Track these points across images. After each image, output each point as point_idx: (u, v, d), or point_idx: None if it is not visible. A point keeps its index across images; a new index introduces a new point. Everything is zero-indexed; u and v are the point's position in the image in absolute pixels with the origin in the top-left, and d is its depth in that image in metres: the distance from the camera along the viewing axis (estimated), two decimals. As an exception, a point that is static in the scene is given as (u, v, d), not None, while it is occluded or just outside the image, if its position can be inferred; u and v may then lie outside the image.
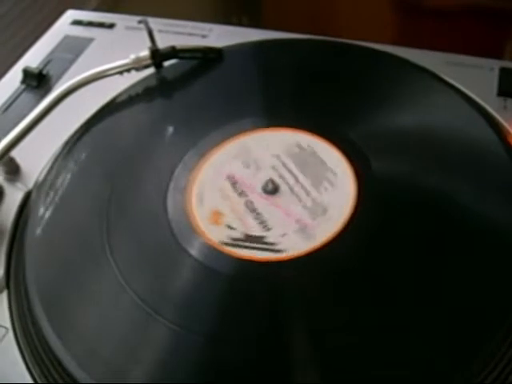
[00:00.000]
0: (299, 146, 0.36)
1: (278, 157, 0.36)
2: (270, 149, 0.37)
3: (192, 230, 0.33)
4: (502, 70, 0.41)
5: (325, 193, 0.34)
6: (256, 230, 0.33)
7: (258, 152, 0.36)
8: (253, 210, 0.34)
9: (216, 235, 0.32)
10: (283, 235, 0.32)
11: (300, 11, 0.61)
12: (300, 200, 0.34)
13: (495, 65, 0.41)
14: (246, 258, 0.31)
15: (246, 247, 0.32)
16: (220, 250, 0.32)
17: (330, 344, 0.28)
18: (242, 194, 0.34)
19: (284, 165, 0.36)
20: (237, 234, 0.32)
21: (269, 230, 0.32)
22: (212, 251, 0.32)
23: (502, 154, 0.33)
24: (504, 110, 0.38)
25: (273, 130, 0.37)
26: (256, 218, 0.33)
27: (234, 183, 0.35)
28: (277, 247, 0.32)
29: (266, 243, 0.32)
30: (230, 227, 0.33)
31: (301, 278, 0.30)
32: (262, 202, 0.34)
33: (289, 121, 0.37)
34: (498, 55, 0.43)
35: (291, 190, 0.34)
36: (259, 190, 0.35)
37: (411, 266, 0.30)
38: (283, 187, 0.34)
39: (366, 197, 0.33)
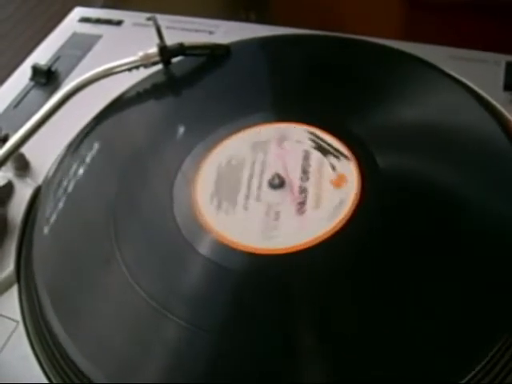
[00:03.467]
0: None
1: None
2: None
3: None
4: (508, 65, 0.41)
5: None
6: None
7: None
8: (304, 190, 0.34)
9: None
10: None
11: (307, 6, 0.61)
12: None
13: (501, 59, 0.41)
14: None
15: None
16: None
17: (340, 341, 0.28)
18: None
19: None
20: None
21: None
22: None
23: (509, 149, 0.33)
24: (510, 105, 0.38)
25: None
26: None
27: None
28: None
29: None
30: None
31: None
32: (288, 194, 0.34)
33: (294, 116, 0.38)
34: (505, 50, 0.43)
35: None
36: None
37: (416, 263, 0.30)
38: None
39: (370, 185, 0.33)
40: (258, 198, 0.34)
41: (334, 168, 0.34)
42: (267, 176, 0.35)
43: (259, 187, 0.35)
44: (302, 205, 0.33)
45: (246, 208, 0.34)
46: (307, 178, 0.34)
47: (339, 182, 0.34)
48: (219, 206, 0.34)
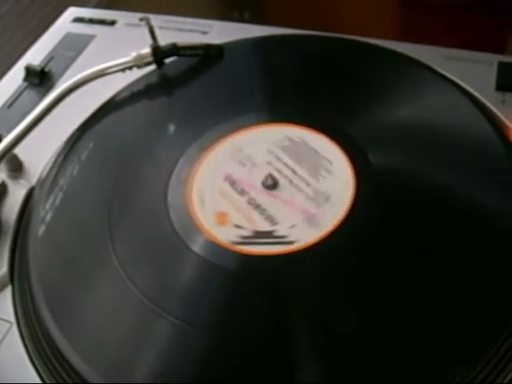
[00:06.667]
0: (290, 139, 0.36)
1: (271, 151, 0.36)
2: (262, 144, 0.37)
3: (193, 225, 0.33)
4: (501, 65, 0.41)
5: (324, 181, 0.34)
6: (264, 226, 0.33)
7: (251, 149, 0.37)
8: (256, 206, 0.34)
9: (226, 236, 0.32)
10: (292, 227, 0.32)
11: (301, 6, 0.61)
12: (301, 191, 0.34)
13: (494, 59, 0.41)
14: (248, 252, 0.32)
15: (258, 243, 0.32)
16: (221, 245, 0.32)
17: (335, 340, 0.28)
18: (242, 192, 0.35)
19: (278, 159, 0.36)
20: (246, 232, 0.32)
21: (276, 223, 0.33)
22: (212, 246, 0.32)
23: (501, 149, 0.33)
24: (502, 105, 0.38)
25: (270, 125, 0.38)
26: (261, 214, 0.33)
27: (232, 183, 0.35)
28: (288, 239, 0.32)
29: (277, 237, 0.32)
30: (237, 226, 0.33)
31: (307, 270, 0.31)
32: (264, 198, 0.34)
33: (288, 116, 0.38)
34: (497, 50, 0.43)
35: (290, 182, 0.35)
36: (259, 186, 0.35)
37: (411, 259, 0.30)
38: (282, 181, 0.35)
39: (364, 184, 0.33)
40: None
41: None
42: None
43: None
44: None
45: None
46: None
47: (223, 219, 0.33)
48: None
